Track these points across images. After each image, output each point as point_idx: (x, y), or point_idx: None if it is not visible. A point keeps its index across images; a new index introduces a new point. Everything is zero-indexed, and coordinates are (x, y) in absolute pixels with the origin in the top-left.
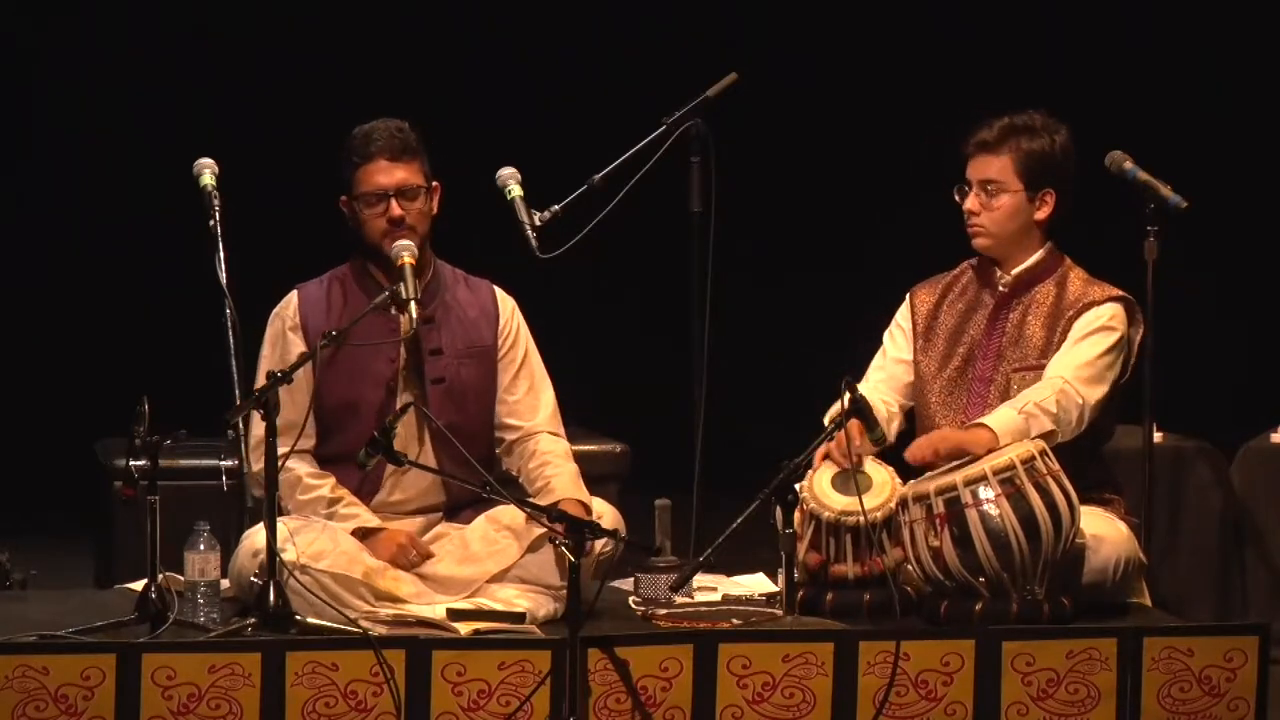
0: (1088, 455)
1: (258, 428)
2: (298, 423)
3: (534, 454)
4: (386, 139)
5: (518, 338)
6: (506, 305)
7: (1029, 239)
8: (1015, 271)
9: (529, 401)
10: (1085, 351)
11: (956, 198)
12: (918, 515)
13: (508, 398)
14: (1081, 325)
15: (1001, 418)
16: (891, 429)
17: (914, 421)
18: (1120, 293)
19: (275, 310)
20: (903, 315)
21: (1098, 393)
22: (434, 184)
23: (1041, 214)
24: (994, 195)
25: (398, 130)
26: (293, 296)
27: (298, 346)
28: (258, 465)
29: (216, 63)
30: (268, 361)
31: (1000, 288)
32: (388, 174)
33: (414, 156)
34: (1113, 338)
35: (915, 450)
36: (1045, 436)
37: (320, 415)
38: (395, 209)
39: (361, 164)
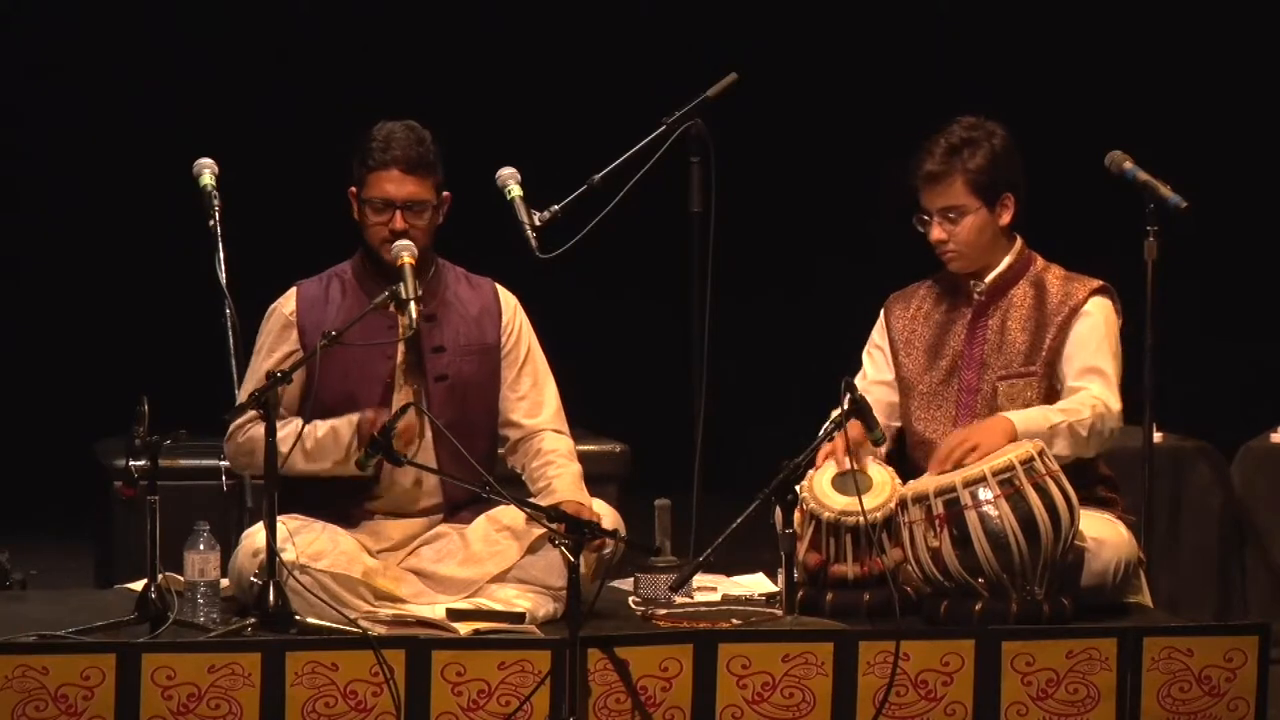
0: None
1: (241, 418)
2: (286, 419)
3: (538, 452)
4: (404, 150)
5: (521, 335)
6: (509, 303)
7: (999, 245)
8: (989, 279)
9: (533, 398)
10: (1105, 361)
11: (919, 228)
12: (917, 516)
13: (511, 395)
14: (1086, 333)
15: (1027, 417)
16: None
17: (902, 442)
18: (1100, 283)
19: (274, 304)
20: (879, 333)
21: (1119, 398)
22: (444, 194)
23: (1005, 219)
24: (957, 220)
25: (419, 142)
26: (292, 293)
27: (292, 343)
28: (230, 444)
29: (216, 63)
30: (262, 355)
31: (976, 295)
32: (398, 185)
33: (429, 172)
34: (1115, 336)
35: (939, 463)
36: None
37: (316, 412)
38: (399, 222)
39: (375, 168)
